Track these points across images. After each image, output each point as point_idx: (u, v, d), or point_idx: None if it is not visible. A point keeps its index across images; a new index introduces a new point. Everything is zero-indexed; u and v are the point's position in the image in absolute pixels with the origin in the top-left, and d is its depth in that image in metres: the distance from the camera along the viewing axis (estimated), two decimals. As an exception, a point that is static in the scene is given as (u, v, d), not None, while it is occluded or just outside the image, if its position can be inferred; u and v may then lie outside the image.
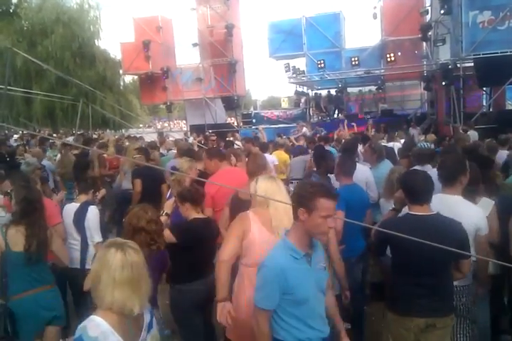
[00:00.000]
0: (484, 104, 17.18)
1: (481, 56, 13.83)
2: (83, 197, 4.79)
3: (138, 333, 2.18)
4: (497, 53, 13.52)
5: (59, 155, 9.71)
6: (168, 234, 3.69)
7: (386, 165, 6.08)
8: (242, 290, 3.21)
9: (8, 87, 10.91)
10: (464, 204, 3.40)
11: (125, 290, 2.05)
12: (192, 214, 3.95)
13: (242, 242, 3.19)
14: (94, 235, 4.48)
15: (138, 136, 15.91)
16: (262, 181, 3.33)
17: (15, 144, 15.02)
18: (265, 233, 3.17)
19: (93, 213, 4.60)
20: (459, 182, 3.44)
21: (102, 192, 5.28)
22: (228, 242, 3.22)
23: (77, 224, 4.57)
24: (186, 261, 3.74)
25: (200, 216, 4.00)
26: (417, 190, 3.11)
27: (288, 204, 2.87)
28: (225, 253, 3.19)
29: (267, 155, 7.82)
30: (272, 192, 3.23)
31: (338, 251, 3.97)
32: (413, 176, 3.26)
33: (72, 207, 4.72)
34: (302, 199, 2.52)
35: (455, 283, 3.23)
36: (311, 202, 2.46)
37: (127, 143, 12.31)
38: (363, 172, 5.53)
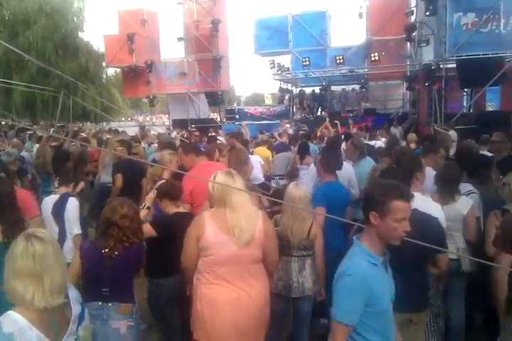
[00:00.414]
0: (465, 104, 17.41)
1: (464, 57, 13.97)
2: (63, 189, 4.73)
3: (65, 326, 2.13)
4: (479, 55, 13.66)
5: (36, 147, 9.58)
6: (148, 229, 3.65)
7: (368, 163, 6.14)
8: (196, 285, 3.22)
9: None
10: (421, 201, 3.48)
11: (24, 281, 1.98)
12: (171, 209, 3.95)
13: (197, 245, 3.12)
14: (73, 227, 4.43)
15: (120, 129, 15.74)
16: (220, 177, 3.19)
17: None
18: (221, 235, 3.06)
19: (73, 205, 4.55)
20: (415, 179, 3.56)
21: (81, 185, 5.22)
22: (188, 249, 3.17)
23: (56, 215, 4.51)
24: (165, 256, 3.72)
25: (181, 210, 3.98)
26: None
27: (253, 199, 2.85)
28: (189, 262, 3.20)
29: (254, 156, 7.83)
30: (228, 190, 3.12)
31: (322, 249, 4.00)
32: (392, 172, 3.37)
33: (51, 200, 4.66)
34: (374, 202, 2.37)
35: None
36: (384, 205, 2.33)
37: (108, 136, 12.19)
38: (346, 170, 5.57)
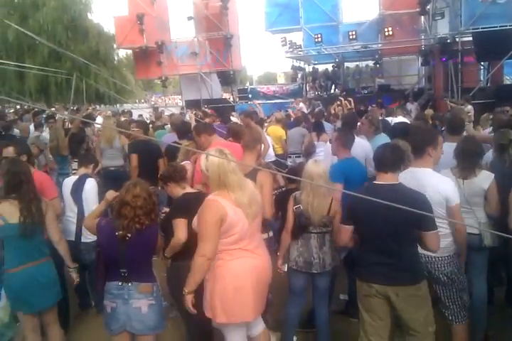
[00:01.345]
0: (482, 78, 17.08)
1: (480, 30, 13.68)
2: (82, 170, 4.77)
3: None
4: (496, 27, 13.37)
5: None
6: (180, 225, 3.64)
7: (383, 139, 6.05)
8: (221, 263, 3.18)
9: (0, 61, 10.74)
10: (431, 176, 3.48)
11: None
12: (178, 190, 3.92)
13: (220, 229, 3.07)
14: (92, 208, 4.46)
15: (133, 111, 15.76)
16: (213, 157, 3.15)
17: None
18: (238, 211, 3.11)
19: (91, 185, 4.59)
20: (428, 154, 3.50)
21: (98, 166, 5.28)
22: (209, 236, 3.07)
23: (75, 195, 4.56)
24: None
25: (190, 190, 3.97)
26: (381, 159, 3.24)
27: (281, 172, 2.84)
28: (210, 250, 3.08)
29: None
30: (223, 169, 3.11)
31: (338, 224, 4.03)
32: (382, 148, 3.38)
33: (71, 181, 4.71)
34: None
35: (433, 254, 3.36)
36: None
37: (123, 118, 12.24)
38: (363, 146, 5.50)
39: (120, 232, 3.24)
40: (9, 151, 4.46)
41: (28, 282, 3.57)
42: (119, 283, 3.28)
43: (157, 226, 3.51)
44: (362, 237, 3.31)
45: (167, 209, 4.24)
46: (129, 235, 3.24)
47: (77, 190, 4.56)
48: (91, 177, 4.74)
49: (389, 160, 3.20)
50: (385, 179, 3.19)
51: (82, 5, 27.92)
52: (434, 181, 3.42)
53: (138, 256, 3.32)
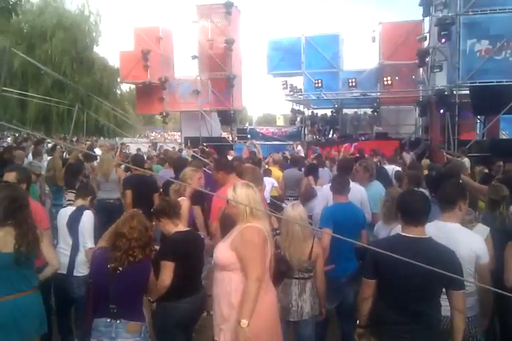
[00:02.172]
0: (478, 132, 17.34)
1: (477, 84, 14.00)
2: (80, 202, 4.71)
3: None
4: (493, 82, 13.70)
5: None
6: (167, 267, 3.58)
7: (377, 186, 6.08)
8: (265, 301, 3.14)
9: (4, 88, 10.81)
10: (463, 232, 3.35)
11: None
12: (171, 228, 3.83)
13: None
14: (87, 240, 4.39)
15: (132, 145, 15.82)
16: (241, 188, 3.20)
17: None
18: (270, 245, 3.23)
19: (88, 217, 4.53)
20: (458, 208, 3.37)
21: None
22: (260, 259, 3.07)
23: (71, 227, 4.48)
24: (173, 278, 3.60)
25: (181, 229, 3.89)
26: (413, 210, 3.02)
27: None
28: (262, 273, 3.07)
29: (267, 178, 7.72)
30: (253, 200, 3.17)
31: (322, 271, 3.98)
32: (411, 196, 3.17)
33: (67, 211, 4.64)
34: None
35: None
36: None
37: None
38: (359, 192, 5.49)
39: (112, 265, 3.18)
40: (11, 176, 4.44)
41: (12, 313, 3.41)
42: (108, 320, 3.20)
43: (149, 262, 3.43)
44: (383, 293, 3.07)
45: (156, 247, 4.16)
46: (121, 268, 3.18)
47: (74, 221, 4.48)
48: (88, 209, 4.68)
49: (420, 212, 3.00)
50: (414, 232, 2.97)
51: (89, 38, 28.55)
52: (466, 238, 3.26)
53: (128, 291, 3.24)
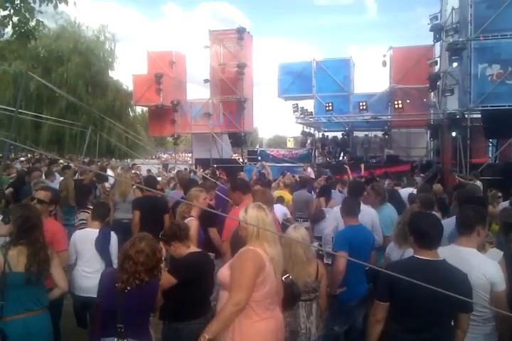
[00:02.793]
0: (490, 155, 17.25)
1: (489, 108, 13.99)
2: (97, 225, 4.74)
3: None
4: (505, 106, 13.68)
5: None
6: (168, 278, 3.55)
7: (389, 208, 6.04)
8: (249, 323, 3.05)
9: (19, 110, 11.04)
10: (478, 257, 3.28)
11: None
12: (183, 250, 3.81)
13: (257, 280, 3.01)
14: (114, 261, 4.42)
15: (143, 166, 15.92)
16: (252, 209, 3.17)
17: (19, 167, 15.07)
18: (270, 266, 3.09)
19: (114, 239, 4.60)
20: (476, 233, 3.31)
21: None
22: (247, 285, 2.97)
23: (103, 251, 4.53)
24: (184, 298, 3.59)
25: (194, 250, 3.89)
26: (428, 234, 3.01)
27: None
28: (245, 300, 2.97)
29: (279, 206, 7.67)
30: (262, 222, 3.11)
31: (325, 290, 3.99)
32: (425, 219, 3.13)
33: (88, 234, 4.66)
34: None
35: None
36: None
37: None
38: (370, 214, 5.47)
39: (120, 284, 3.17)
40: (46, 195, 4.50)
41: (21, 332, 3.41)
42: (115, 339, 3.17)
43: (158, 282, 3.41)
44: (397, 315, 3.03)
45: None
46: (129, 288, 3.18)
47: (105, 245, 4.53)
48: (112, 231, 4.75)
49: (435, 236, 3.03)
50: (428, 255, 3.00)
51: (104, 63, 29.08)
52: (481, 264, 3.20)
53: (135, 310, 3.22)
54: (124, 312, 3.17)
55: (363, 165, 12.48)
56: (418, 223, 3.12)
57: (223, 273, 3.15)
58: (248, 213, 3.16)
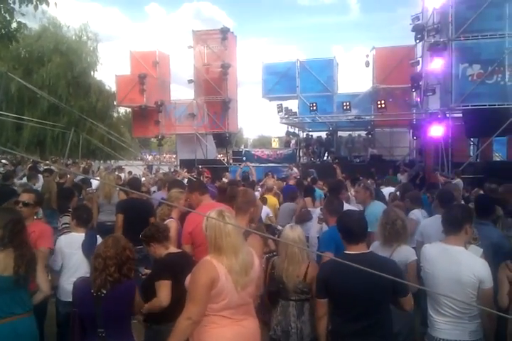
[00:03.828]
0: (471, 154, 17.47)
1: (470, 108, 14.17)
2: (81, 230, 4.69)
3: None
4: (485, 106, 13.86)
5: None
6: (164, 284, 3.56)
7: (378, 205, 6.05)
8: (206, 330, 2.97)
9: (0, 112, 10.92)
10: (466, 255, 3.32)
11: None
12: (162, 251, 3.86)
13: (210, 292, 2.89)
14: None
15: (127, 168, 15.81)
16: (211, 220, 3.02)
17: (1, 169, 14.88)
18: (229, 278, 2.93)
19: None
20: (464, 232, 3.36)
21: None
22: (198, 298, 2.88)
23: (90, 254, 4.47)
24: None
25: (173, 250, 3.91)
26: (351, 231, 3.24)
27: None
28: (197, 313, 2.87)
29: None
30: (219, 232, 2.97)
31: None
32: (347, 217, 3.35)
33: (74, 238, 4.61)
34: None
35: (466, 338, 3.17)
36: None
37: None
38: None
39: (95, 289, 3.16)
40: (30, 197, 4.47)
41: (7, 336, 3.37)
42: None
43: (134, 283, 3.40)
44: (336, 309, 3.24)
45: (147, 271, 4.12)
46: (104, 292, 3.15)
47: (91, 247, 4.47)
48: (97, 234, 4.70)
49: (358, 231, 3.23)
50: (357, 249, 3.20)
51: (86, 63, 28.78)
52: (469, 262, 3.24)
53: (115, 314, 3.20)
54: (104, 317, 3.15)
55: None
56: (342, 221, 3.36)
57: (187, 281, 3.08)
58: (208, 220, 3.03)
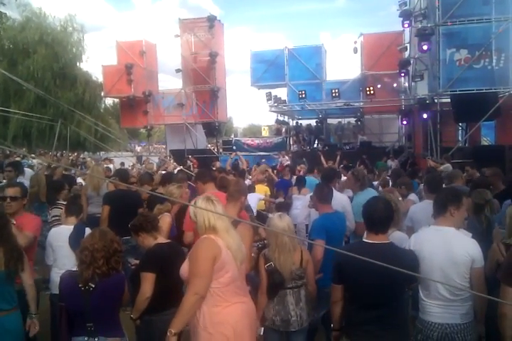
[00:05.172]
0: (460, 139, 17.57)
1: (458, 92, 14.21)
2: (72, 220, 4.66)
3: None
4: (473, 90, 13.90)
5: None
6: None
7: (370, 193, 6.03)
8: (219, 310, 3.08)
9: (-15, 105, 10.80)
10: (458, 236, 3.36)
11: None
12: (150, 241, 3.84)
13: (214, 266, 3.03)
14: None
15: (117, 159, 15.72)
16: (201, 202, 3.22)
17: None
18: (228, 253, 3.10)
19: None
20: (449, 213, 3.36)
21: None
22: (203, 272, 3.00)
23: (76, 246, 4.43)
24: (154, 290, 3.58)
25: (162, 240, 3.89)
26: (374, 219, 3.18)
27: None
28: (203, 288, 2.99)
29: (250, 194, 7.62)
30: (211, 216, 3.14)
31: (313, 275, 4.01)
32: (372, 205, 3.26)
33: (63, 230, 4.58)
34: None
35: (458, 321, 3.18)
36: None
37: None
38: (339, 201, 5.41)
39: (83, 283, 3.14)
40: (16, 191, 4.42)
41: None
42: (86, 339, 3.14)
43: (123, 276, 3.39)
44: (351, 295, 3.22)
45: (136, 262, 4.12)
46: (93, 286, 3.14)
47: (78, 239, 4.43)
48: (86, 226, 4.64)
49: (378, 221, 3.16)
50: (374, 239, 3.15)
51: (72, 54, 28.45)
52: (462, 241, 3.29)
53: (104, 307, 3.19)
54: (93, 311, 3.13)
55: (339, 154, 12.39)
56: (366, 208, 3.28)
57: (184, 267, 3.15)
58: (197, 205, 3.19)
